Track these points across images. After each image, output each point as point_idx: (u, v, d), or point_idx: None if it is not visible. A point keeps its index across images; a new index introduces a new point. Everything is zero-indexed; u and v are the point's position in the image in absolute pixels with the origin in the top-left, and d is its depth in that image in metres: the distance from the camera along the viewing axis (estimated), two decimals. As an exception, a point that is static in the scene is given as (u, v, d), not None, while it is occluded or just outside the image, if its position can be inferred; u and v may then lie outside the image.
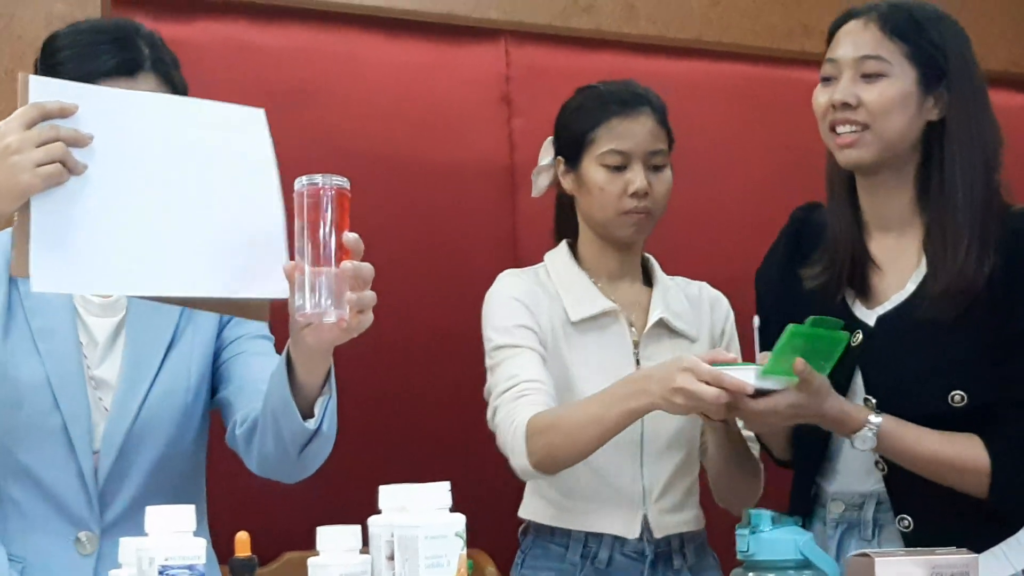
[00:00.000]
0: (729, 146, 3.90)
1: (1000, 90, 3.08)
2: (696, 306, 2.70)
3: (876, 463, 2.32)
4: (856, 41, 2.33)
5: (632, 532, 2.52)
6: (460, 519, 1.70)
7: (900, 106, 2.31)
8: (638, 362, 2.58)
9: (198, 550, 1.55)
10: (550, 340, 2.57)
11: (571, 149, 2.65)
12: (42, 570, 2.03)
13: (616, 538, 2.53)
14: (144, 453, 2.12)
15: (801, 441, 2.42)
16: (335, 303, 1.81)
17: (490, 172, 3.59)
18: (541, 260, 2.74)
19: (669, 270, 2.76)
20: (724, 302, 2.76)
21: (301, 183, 1.82)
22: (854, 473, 2.36)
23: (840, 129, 2.33)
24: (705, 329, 2.69)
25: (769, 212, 3.75)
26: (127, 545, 1.64)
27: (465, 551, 1.69)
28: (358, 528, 1.73)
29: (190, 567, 1.54)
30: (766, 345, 2.20)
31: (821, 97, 2.37)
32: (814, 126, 2.41)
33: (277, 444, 2.00)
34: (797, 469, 2.48)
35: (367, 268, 1.83)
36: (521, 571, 2.59)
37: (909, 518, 2.29)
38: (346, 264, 1.79)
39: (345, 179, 1.83)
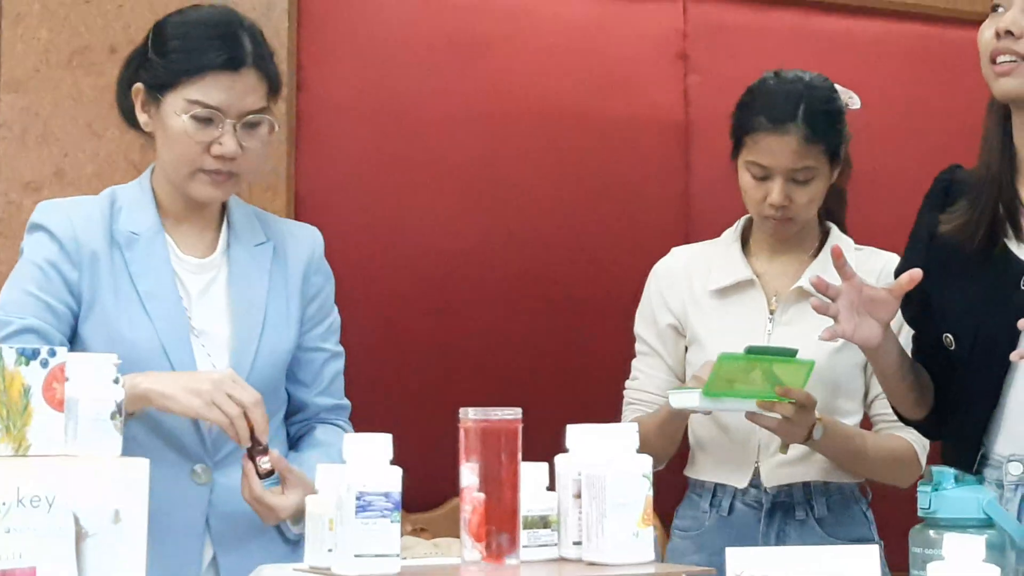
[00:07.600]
0: (908, 109, 3.83)
1: None
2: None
3: None
4: None
5: (742, 482, 2.59)
6: (647, 460, 1.72)
7: None
8: (771, 327, 2.60)
9: (394, 479, 1.59)
10: (685, 314, 2.66)
11: (733, 140, 2.65)
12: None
13: (738, 488, 2.60)
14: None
15: (961, 401, 2.36)
16: None
17: (664, 128, 3.58)
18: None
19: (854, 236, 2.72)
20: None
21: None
22: None
23: (1000, 59, 2.27)
24: None
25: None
26: (324, 472, 1.68)
27: (652, 493, 1.71)
28: (545, 465, 1.76)
29: (386, 494, 1.58)
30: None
31: (987, 30, 2.30)
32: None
33: None
34: (955, 430, 2.38)
35: None
36: (675, 520, 2.72)
37: None
38: None
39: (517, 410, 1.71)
